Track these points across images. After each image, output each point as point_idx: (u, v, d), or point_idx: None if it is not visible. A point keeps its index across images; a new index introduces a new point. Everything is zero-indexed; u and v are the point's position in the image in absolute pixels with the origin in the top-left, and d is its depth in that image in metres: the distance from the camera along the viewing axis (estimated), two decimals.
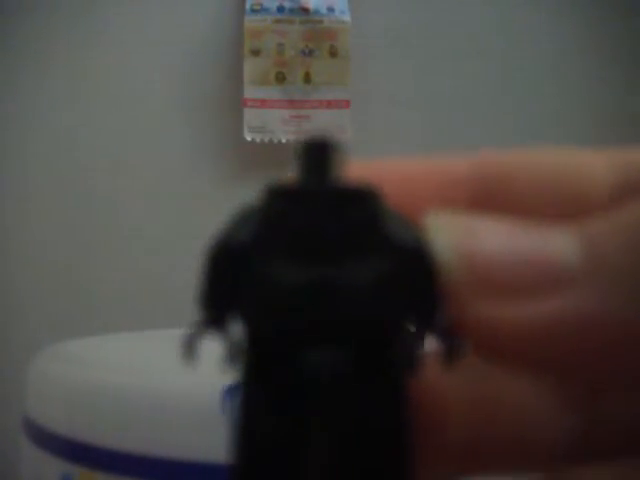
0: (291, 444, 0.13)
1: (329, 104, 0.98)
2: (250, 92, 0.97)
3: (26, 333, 0.95)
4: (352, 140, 0.95)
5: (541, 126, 1.02)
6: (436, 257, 0.13)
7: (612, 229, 0.13)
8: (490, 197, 0.15)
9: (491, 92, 1.03)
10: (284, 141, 0.96)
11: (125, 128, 0.99)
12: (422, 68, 1.02)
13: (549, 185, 0.15)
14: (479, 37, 1.03)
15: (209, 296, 0.14)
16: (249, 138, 0.97)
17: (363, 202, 0.13)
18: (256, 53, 0.97)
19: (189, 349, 0.14)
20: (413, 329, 0.14)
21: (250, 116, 0.97)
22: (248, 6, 0.97)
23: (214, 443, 0.35)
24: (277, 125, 0.97)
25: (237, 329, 0.14)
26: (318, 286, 0.13)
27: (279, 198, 0.14)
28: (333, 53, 0.97)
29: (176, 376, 0.38)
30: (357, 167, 0.15)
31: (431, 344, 0.14)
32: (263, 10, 0.97)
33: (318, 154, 0.14)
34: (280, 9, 0.97)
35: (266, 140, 0.97)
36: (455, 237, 0.13)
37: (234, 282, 0.14)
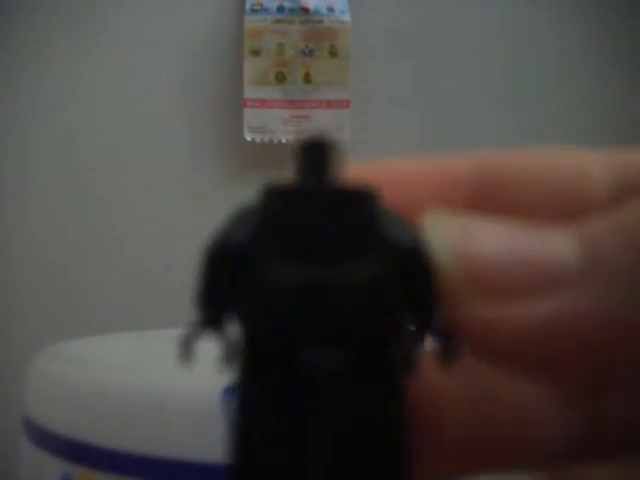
0: (289, 444, 0.13)
1: (329, 104, 0.98)
2: (250, 92, 0.97)
3: (26, 333, 0.95)
4: (352, 140, 0.95)
5: (542, 126, 1.02)
6: (433, 258, 0.13)
7: (610, 229, 0.13)
8: (488, 197, 0.15)
9: (491, 92, 1.03)
10: (284, 141, 0.96)
11: (125, 128, 0.99)
12: (422, 68, 1.02)
13: (547, 185, 0.15)
14: (479, 37, 1.03)
15: (206, 296, 0.14)
16: (249, 138, 0.97)
17: (360, 202, 0.13)
18: (256, 53, 0.97)
19: (186, 349, 0.14)
20: (410, 329, 0.14)
21: (250, 116, 0.97)
22: (248, 6, 0.97)
23: (214, 443, 0.35)
24: (277, 125, 0.97)
25: (234, 329, 0.14)
26: (315, 286, 0.13)
27: (276, 198, 0.14)
28: (333, 53, 0.97)
29: (176, 376, 0.38)
30: (355, 167, 0.15)
31: (429, 344, 0.14)
32: (263, 10, 0.97)
33: (316, 154, 0.14)
34: (280, 9, 0.97)
35: (266, 140, 0.97)
36: (452, 238, 0.13)
37: (231, 282, 0.14)
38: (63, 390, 0.43)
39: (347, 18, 0.97)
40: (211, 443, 0.36)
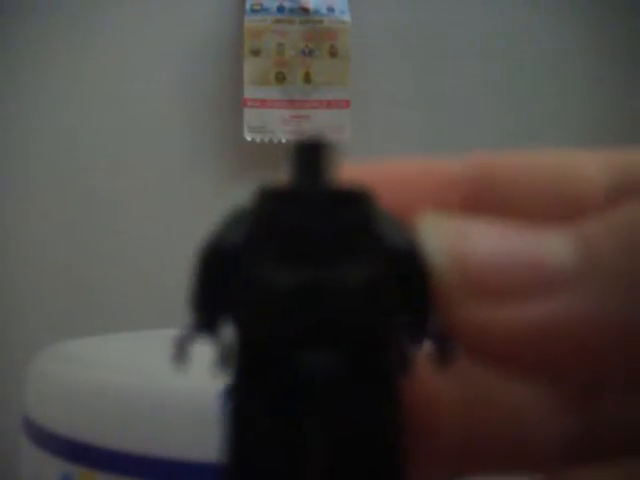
0: (284, 447, 0.13)
1: (329, 104, 0.98)
2: (250, 92, 0.97)
3: (26, 333, 0.95)
4: (352, 140, 0.95)
5: (540, 126, 1.02)
6: (428, 259, 0.13)
7: (607, 230, 0.13)
8: (484, 199, 0.15)
9: (491, 92, 1.03)
10: (284, 141, 0.96)
11: (125, 128, 0.99)
12: (422, 68, 1.02)
13: (544, 186, 0.15)
14: (479, 37, 1.03)
15: (200, 298, 0.14)
16: (249, 138, 0.97)
17: (356, 204, 0.13)
18: (256, 53, 0.97)
19: (180, 352, 0.14)
20: (406, 332, 0.14)
21: (250, 116, 0.97)
22: (248, 6, 0.97)
23: (214, 443, 0.35)
24: (277, 125, 0.97)
25: (229, 332, 0.14)
26: (310, 289, 0.13)
27: (271, 199, 0.13)
28: (333, 53, 0.97)
29: (176, 376, 0.38)
30: (350, 169, 0.15)
31: (424, 346, 0.14)
32: (263, 10, 0.97)
33: (311, 155, 0.14)
34: (280, 9, 0.97)
35: (266, 140, 0.97)
36: (447, 239, 0.13)
37: (226, 284, 0.13)
38: (63, 390, 0.43)
39: (347, 18, 0.97)
40: (211, 443, 0.36)
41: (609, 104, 1.03)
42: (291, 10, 0.97)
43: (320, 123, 0.96)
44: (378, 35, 1.01)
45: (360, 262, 0.13)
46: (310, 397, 0.13)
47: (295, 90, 0.97)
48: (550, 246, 0.13)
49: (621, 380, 0.13)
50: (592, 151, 0.15)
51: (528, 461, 0.14)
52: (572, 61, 1.04)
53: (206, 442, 0.36)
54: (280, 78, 0.97)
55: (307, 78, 0.97)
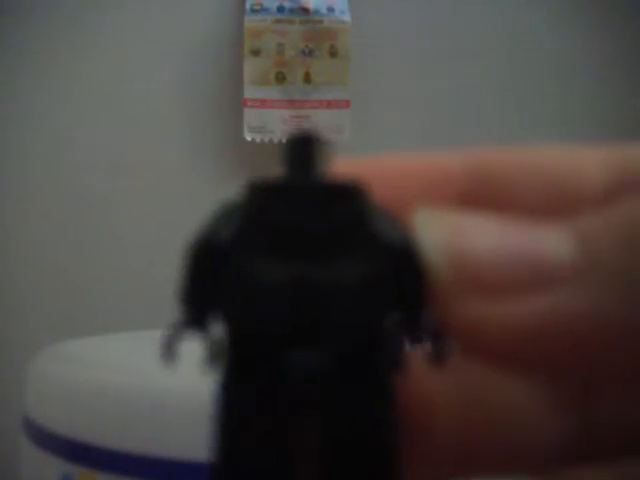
0: (275, 446, 0.13)
1: (329, 104, 0.98)
2: (250, 92, 0.97)
3: (26, 333, 0.95)
4: (352, 140, 0.95)
5: (542, 127, 1.02)
6: (424, 256, 0.13)
7: (606, 226, 0.13)
8: (482, 194, 0.15)
9: (491, 92, 1.03)
10: (284, 141, 0.96)
11: (124, 128, 0.99)
12: (422, 68, 1.02)
13: (542, 182, 0.15)
14: (479, 37, 1.03)
15: (190, 294, 0.13)
16: (249, 138, 0.97)
17: (349, 198, 0.13)
18: (256, 53, 0.97)
19: (169, 349, 0.14)
20: (400, 329, 0.13)
21: (250, 116, 0.97)
22: (248, 6, 0.97)
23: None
24: (277, 125, 0.97)
25: (219, 328, 0.13)
26: (302, 284, 0.13)
27: (262, 194, 0.13)
28: (333, 53, 0.97)
29: (176, 376, 0.38)
30: (344, 163, 0.15)
31: (419, 344, 0.13)
32: (263, 10, 0.97)
33: (303, 149, 0.13)
34: (280, 9, 0.97)
35: (266, 140, 0.97)
36: (444, 235, 0.13)
37: (216, 280, 0.13)
38: (63, 390, 0.43)
39: (347, 18, 0.97)
40: (208, 448, 0.36)
41: (612, 104, 1.03)
42: (291, 10, 0.97)
43: (320, 123, 0.96)
44: (378, 35, 1.01)
45: (353, 258, 0.13)
46: (301, 395, 0.13)
47: (295, 90, 0.97)
48: (548, 242, 0.13)
49: (620, 377, 0.13)
50: (591, 147, 0.15)
51: (525, 462, 0.14)
52: (574, 61, 1.04)
53: (206, 442, 0.36)
54: (280, 78, 0.97)
55: (307, 78, 0.97)
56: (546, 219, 0.13)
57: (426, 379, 0.14)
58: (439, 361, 0.13)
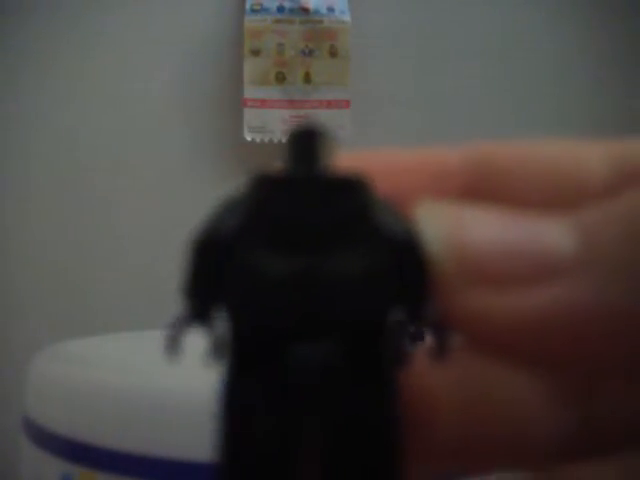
0: (279, 439, 0.13)
1: (329, 104, 0.98)
2: (250, 92, 0.97)
3: (26, 333, 0.95)
4: (352, 140, 0.95)
5: (540, 127, 1.02)
6: (426, 248, 0.13)
7: (607, 219, 0.13)
8: (483, 188, 0.15)
9: (491, 92, 1.03)
10: (284, 141, 0.96)
11: (125, 128, 0.99)
12: (422, 68, 1.02)
13: (543, 176, 0.15)
14: (479, 37, 1.03)
15: (193, 288, 0.13)
16: (249, 138, 0.97)
17: (352, 191, 0.13)
18: (256, 53, 0.97)
19: (173, 344, 0.14)
20: (403, 322, 0.13)
21: (250, 116, 0.97)
22: (248, 6, 0.97)
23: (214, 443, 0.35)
24: (277, 125, 0.97)
25: (222, 322, 0.13)
26: (305, 277, 0.13)
27: (265, 186, 0.13)
28: (333, 53, 0.97)
29: (176, 376, 0.38)
30: (347, 157, 0.15)
31: (422, 338, 0.14)
32: (263, 10, 0.97)
33: (306, 142, 0.13)
34: (280, 9, 0.97)
35: (266, 140, 0.97)
36: (445, 227, 0.13)
37: (219, 273, 0.13)
38: (63, 390, 0.43)
39: (347, 18, 0.97)
40: (211, 443, 0.36)
41: (609, 104, 1.03)
42: (291, 10, 0.97)
43: None
44: (378, 35, 1.01)
45: (356, 250, 0.13)
46: (305, 389, 0.13)
47: (295, 90, 0.97)
48: (550, 234, 0.13)
49: (622, 370, 0.13)
50: (592, 141, 0.15)
51: (527, 457, 0.14)
52: (572, 61, 1.04)
53: (206, 442, 0.36)
54: (280, 78, 0.97)
55: (307, 78, 0.97)
56: (547, 212, 0.13)
57: (428, 373, 0.14)
58: (441, 354, 0.13)
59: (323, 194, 0.13)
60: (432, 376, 0.14)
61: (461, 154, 0.15)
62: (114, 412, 0.39)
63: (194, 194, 0.98)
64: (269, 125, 0.97)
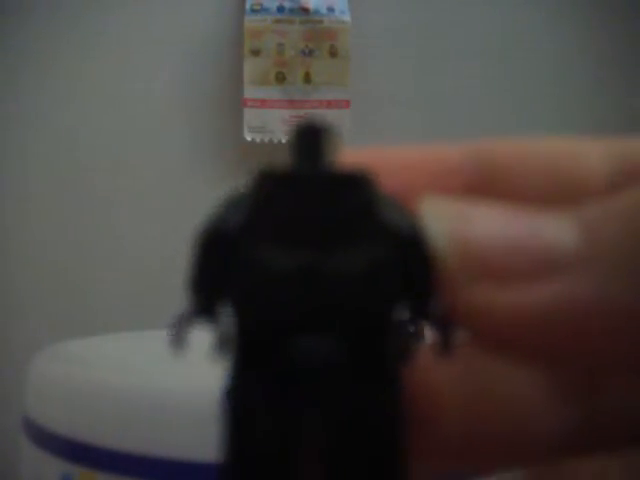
0: (283, 433, 0.13)
1: (329, 104, 0.98)
2: (250, 92, 0.97)
3: (26, 333, 0.95)
4: (352, 140, 0.95)
5: (541, 126, 1.02)
6: (430, 243, 0.13)
7: (609, 215, 0.13)
8: (485, 185, 0.15)
9: (491, 92, 1.03)
10: (284, 141, 0.96)
11: (125, 128, 0.99)
12: (422, 68, 1.02)
13: (545, 172, 0.15)
14: (479, 37, 1.03)
15: (198, 283, 0.13)
16: (249, 138, 0.97)
17: (357, 187, 0.13)
18: (256, 53, 0.97)
19: (178, 339, 0.14)
20: (408, 317, 0.13)
21: (250, 116, 0.97)
22: (248, 6, 0.97)
23: (214, 443, 0.35)
24: (277, 125, 0.97)
25: (227, 317, 0.13)
26: (310, 273, 0.13)
27: (270, 182, 0.13)
28: (333, 53, 0.97)
29: (176, 376, 0.38)
30: (352, 153, 0.15)
31: (426, 333, 0.14)
32: (263, 10, 0.97)
33: (311, 139, 0.13)
34: (280, 9, 0.97)
35: (266, 140, 0.97)
36: (449, 223, 0.13)
37: (224, 268, 0.13)
38: (63, 390, 0.43)
39: (347, 18, 0.97)
40: (211, 443, 0.36)
41: (609, 104, 1.03)
42: (291, 10, 0.97)
43: None
44: (378, 35, 1.01)
45: (361, 246, 0.13)
46: (309, 383, 0.13)
47: (295, 90, 0.97)
48: (552, 229, 0.13)
49: (624, 365, 0.13)
50: (593, 138, 0.15)
51: (529, 452, 0.14)
52: (572, 61, 1.04)
53: (206, 442, 0.36)
54: (280, 78, 0.97)
55: (307, 78, 0.97)
56: (549, 208, 0.13)
57: (431, 370, 0.14)
58: (446, 350, 0.13)
59: (328, 190, 0.13)
60: (435, 372, 0.14)
61: (463, 151, 0.16)
62: (114, 412, 0.39)
63: (194, 194, 0.98)
64: (269, 125, 0.97)
